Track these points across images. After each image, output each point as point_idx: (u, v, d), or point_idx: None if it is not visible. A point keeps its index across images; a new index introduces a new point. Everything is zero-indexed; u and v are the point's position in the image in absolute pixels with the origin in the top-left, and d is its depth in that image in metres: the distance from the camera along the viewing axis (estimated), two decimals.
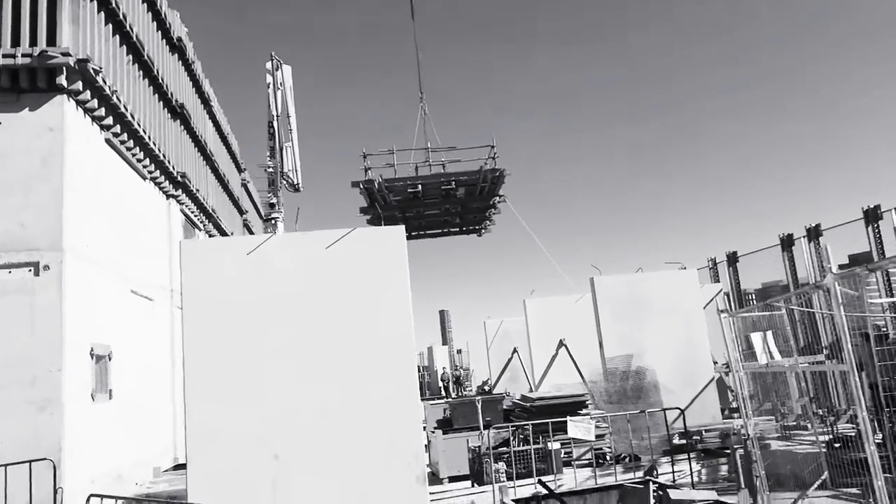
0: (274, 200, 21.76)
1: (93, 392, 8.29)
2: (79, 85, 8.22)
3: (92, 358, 8.30)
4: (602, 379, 12.51)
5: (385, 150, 15.18)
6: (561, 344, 15.33)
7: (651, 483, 5.34)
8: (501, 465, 9.04)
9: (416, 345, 6.42)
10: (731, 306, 14.90)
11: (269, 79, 22.04)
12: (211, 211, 14.79)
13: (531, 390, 15.56)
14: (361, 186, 14.33)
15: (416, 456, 6.12)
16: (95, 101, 8.74)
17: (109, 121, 9.28)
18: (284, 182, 21.88)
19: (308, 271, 6.30)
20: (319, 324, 6.13)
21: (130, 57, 10.32)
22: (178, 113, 12.85)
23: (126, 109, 9.61)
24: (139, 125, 10.21)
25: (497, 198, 15.72)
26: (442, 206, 16.05)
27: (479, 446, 9.43)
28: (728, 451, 9.07)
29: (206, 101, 15.58)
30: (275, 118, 21.95)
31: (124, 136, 9.93)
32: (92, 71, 8.27)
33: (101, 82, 8.58)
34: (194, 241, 6.39)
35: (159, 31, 12.15)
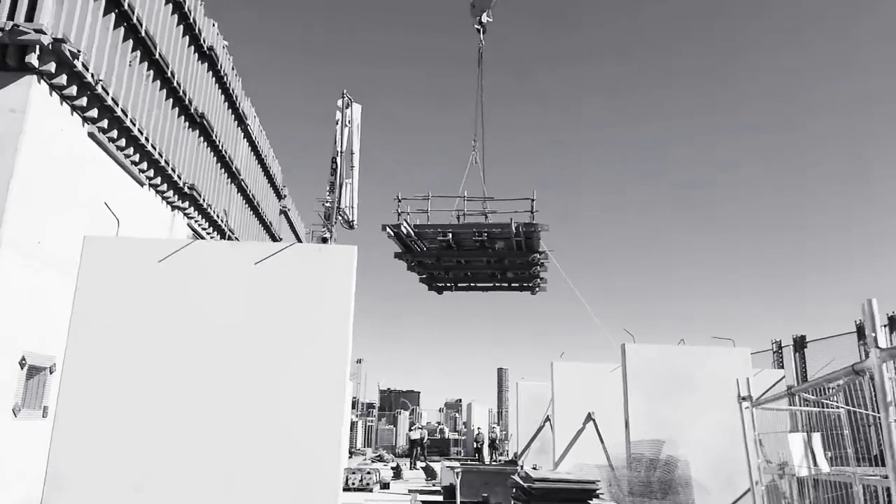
0: (327, 235, 21.48)
1: (16, 407, 7.35)
2: (51, 66, 7.57)
3: (22, 368, 7.38)
4: (624, 465, 10.78)
5: (421, 196, 15.08)
6: (589, 418, 13.74)
7: None
8: None
9: (349, 391, 5.39)
10: (795, 399, 12.83)
11: (339, 115, 22.02)
12: (227, 229, 14.08)
13: (555, 467, 14.10)
14: (389, 230, 14.15)
15: None
16: (74, 88, 8.09)
17: (94, 113, 8.63)
18: (340, 218, 21.60)
19: (232, 287, 5.21)
20: (236, 348, 4.98)
21: (137, 53, 9.77)
22: (197, 123, 12.29)
23: (116, 104, 8.96)
24: (134, 124, 9.56)
25: (537, 255, 15.18)
26: (481, 259, 15.72)
27: None
28: None
29: (240, 118, 15.12)
30: (339, 154, 21.83)
31: (114, 133, 9.27)
32: (69, 53, 7.62)
33: (80, 67, 7.92)
34: (100, 237, 5.29)
35: (186, 36, 11.71)
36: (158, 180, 10.96)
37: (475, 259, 15.82)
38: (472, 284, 18.09)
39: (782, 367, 15.15)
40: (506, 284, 17.92)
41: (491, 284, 18.01)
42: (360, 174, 21.60)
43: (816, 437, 4.95)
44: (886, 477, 2.71)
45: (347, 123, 21.93)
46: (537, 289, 17.64)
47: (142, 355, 5.00)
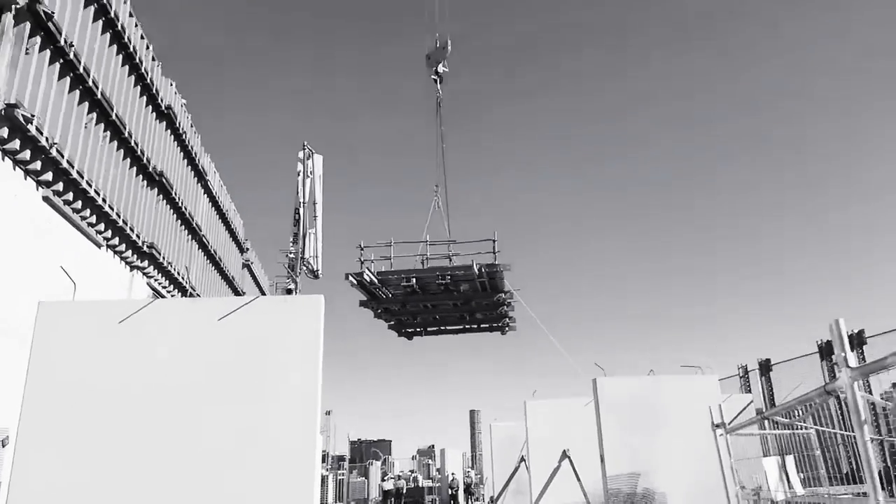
0: (292, 286, 21.20)
1: None
2: (4, 132, 7.41)
3: None
4: (602, 502, 10.64)
5: (383, 243, 15.21)
6: (564, 455, 13.57)
7: None
8: None
9: (319, 446, 5.22)
10: (766, 422, 12.90)
11: (300, 167, 22.02)
12: (188, 286, 13.78)
13: None
14: (352, 279, 14.23)
15: None
16: (28, 152, 7.91)
17: (48, 176, 8.44)
18: (304, 268, 21.38)
19: (195, 345, 5.07)
20: (201, 408, 4.89)
21: (94, 115, 9.65)
22: (156, 181, 12.11)
23: (72, 166, 8.79)
24: (91, 185, 9.38)
25: (503, 294, 15.33)
26: (447, 302, 15.83)
27: None
28: None
29: (200, 174, 14.98)
30: (301, 205, 21.76)
31: (70, 196, 9.07)
32: (22, 118, 7.47)
33: (34, 132, 7.77)
34: (56, 302, 5.11)
35: (144, 96, 11.64)
36: (116, 241, 10.71)
37: (441, 302, 15.84)
38: (441, 328, 18.12)
39: (749, 391, 15.29)
40: (475, 326, 17.94)
41: (460, 327, 18.04)
42: (323, 223, 21.56)
43: (790, 460, 4.97)
44: (859, 495, 2.71)
45: (309, 174, 21.97)
46: (507, 328, 17.68)
47: (101, 421, 4.78)
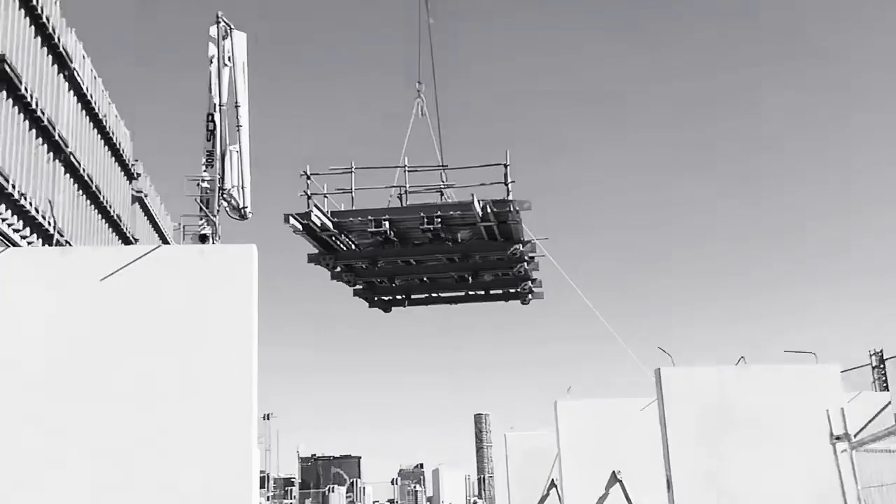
0: (207, 230, 20.87)
1: None
2: None
3: None
4: None
5: (341, 168, 15.23)
6: (614, 479, 13.97)
7: None
8: None
9: (256, 463, 5.30)
10: None
11: (213, 50, 21.47)
12: (52, 230, 13.74)
13: None
14: (295, 222, 14.28)
15: None
16: None
17: None
18: (225, 203, 21.15)
19: (65, 313, 5.26)
20: (79, 405, 5.08)
21: None
22: None
23: None
24: None
25: (520, 246, 15.36)
26: (438, 257, 16.05)
27: None
28: None
29: (62, 61, 14.73)
30: (217, 109, 21.26)
31: None
32: None
33: None
34: None
35: None
36: None
37: (430, 258, 16.08)
38: (431, 295, 18.31)
39: (887, 387, 15.50)
40: (482, 293, 18.13)
41: (460, 294, 18.25)
42: (251, 137, 21.35)
43: None
44: None
45: (227, 62, 21.47)
46: (529, 296, 17.74)
47: None
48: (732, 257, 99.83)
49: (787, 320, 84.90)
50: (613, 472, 14.03)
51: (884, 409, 13.42)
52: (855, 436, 5.44)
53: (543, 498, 17.72)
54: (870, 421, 12.07)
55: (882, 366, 16.19)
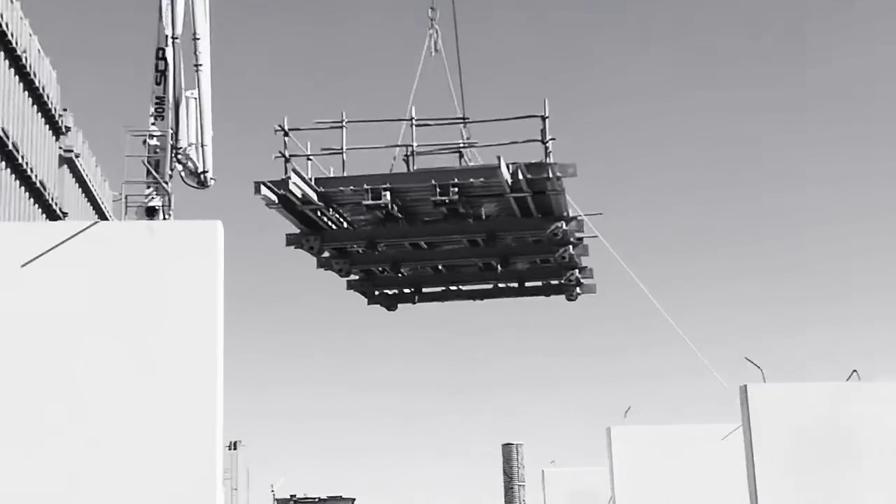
0: (157, 202, 20.73)
1: None
2: None
3: None
4: None
5: (328, 122, 15.31)
6: None
7: None
8: None
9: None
10: None
11: None
12: None
13: None
14: (268, 192, 14.34)
15: None
16: None
17: None
18: (180, 166, 21.07)
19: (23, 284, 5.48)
20: (17, 398, 5.32)
21: None
22: None
23: None
24: None
25: (561, 224, 15.28)
26: (457, 237, 16.11)
27: None
28: None
29: None
30: (170, 41, 21.09)
31: None
32: None
33: None
34: None
35: None
36: None
37: (446, 240, 16.35)
38: (448, 288, 18.63)
39: None
40: (514, 285, 18.40)
41: (489, 286, 18.60)
42: (214, 85, 21.20)
43: None
44: None
45: None
46: (577, 289, 18.05)
47: None
48: (837, 247, 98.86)
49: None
50: None
51: None
52: None
53: None
54: None
55: None
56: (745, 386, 12.06)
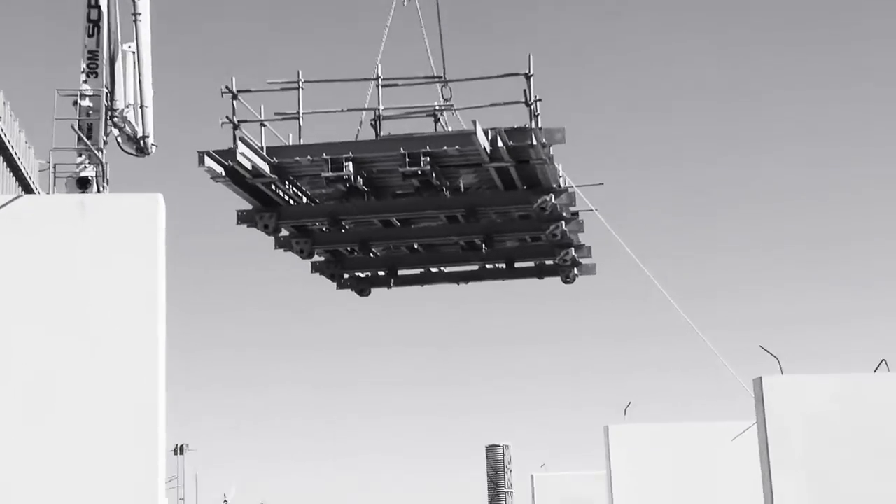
0: (90, 172, 20.52)
1: None
2: None
3: None
4: None
5: (280, 83, 15.06)
6: None
7: None
8: None
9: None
10: None
11: None
12: None
13: None
14: (212, 164, 14.18)
15: None
16: None
17: None
18: (116, 131, 20.85)
19: None
20: None
21: None
22: None
23: None
24: None
25: (549, 196, 15.03)
26: (433, 213, 16.09)
27: None
28: None
29: None
30: None
31: None
32: None
33: None
34: None
35: None
36: None
37: (420, 215, 16.07)
38: (428, 270, 18.66)
39: None
40: (502, 266, 18.28)
41: (473, 268, 18.52)
42: (156, 38, 20.93)
43: None
44: None
45: None
46: (573, 270, 17.93)
47: None
48: (862, 227, 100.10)
49: None
50: None
51: None
52: None
53: None
54: None
55: None
56: (761, 378, 12.05)
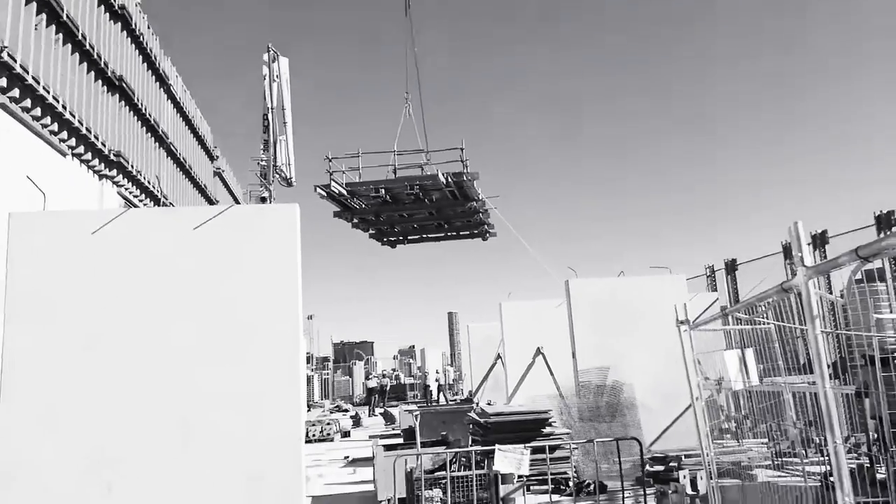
0: (265, 195, 20.92)
1: None
2: None
3: None
4: (574, 394, 11.20)
5: (351, 154, 14.70)
6: (538, 352, 14.11)
7: None
8: (437, 493, 7.69)
9: (303, 348, 5.24)
10: (729, 319, 13.56)
11: (266, 70, 21.20)
12: (160, 196, 13.57)
13: (508, 401, 14.48)
14: (321, 191, 13.87)
15: (293, 492, 4.67)
16: None
17: (2, 82, 8.03)
18: (277, 176, 21.01)
19: (172, 255, 4.98)
20: (179, 321, 4.85)
21: (43, 16, 9.08)
22: (116, 86, 11.62)
23: (26, 71, 8.35)
24: (48, 91, 8.96)
25: (475, 203, 15.16)
26: (421, 211, 15.65)
27: (413, 468, 8.03)
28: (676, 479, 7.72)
29: (162, 79, 14.37)
30: (270, 110, 21.07)
31: (27, 103, 8.68)
32: None
33: None
34: (26, 213, 5.02)
35: None
36: (82, 149, 10.38)
37: (416, 212, 15.75)
38: (422, 236, 18.13)
39: (716, 289, 15.88)
40: (455, 233, 18.00)
41: (442, 234, 18.06)
42: (293, 129, 21.02)
43: (749, 353, 5.25)
44: (813, 383, 2.92)
45: (276, 78, 21.21)
46: (487, 235, 17.77)
47: (83, 332, 4.76)
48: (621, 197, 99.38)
49: (650, 241, 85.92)
50: (538, 348, 14.08)
51: (712, 304, 13.76)
52: (693, 321, 5.67)
53: (492, 366, 17.49)
54: (703, 312, 12.30)
55: (712, 275, 16.51)
56: (567, 280, 11.85)
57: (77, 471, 4.57)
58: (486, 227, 17.26)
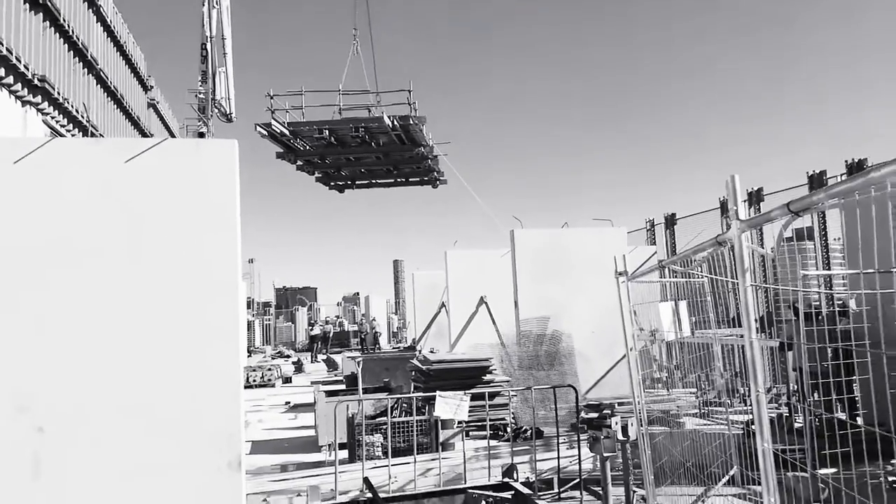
0: (203, 130, 20.03)
1: None
2: None
3: None
4: (515, 342, 11.51)
5: (295, 92, 14.11)
6: (481, 301, 14.31)
7: (508, 489, 4.19)
8: (378, 438, 7.84)
9: (243, 292, 5.10)
10: (666, 271, 14.01)
11: None
12: (89, 126, 12.86)
13: (451, 349, 14.72)
14: (261, 130, 13.38)
15: (231, 436, 4.58)
16: None
17: None
18: (216, 110, 20.13)
19: (101, 188, 4.73)
20: (109, 259, 4.64)
21: None
22: (39, 4, 10.81)
23: None
24: None
25: (422, 148, 14.78)
26: (369, 155, 15.22)
27: (354, 414, 8.14)
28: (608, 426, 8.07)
29: (92, 2, 13.46)
30: (209, 39, 19.98)
31: None
32: None
33: None
34: None
35: None
36: (2, 72, 9.68)
37: (363, 156, 15.41)
38: (371, 181, 17.85)
39: (655, 243, 16.34)
40: (404, 180, 17.74)
41: (391, 180, 17.79)
42: (234, 61, 20.08)
43: (683, 305, 5.45)
44: (742, 336, 3.04)
45: (216, 5, 20.14)
46: (438, 182, 17.57)
47: (11, 273, 4.48)
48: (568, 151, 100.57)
49: (594, 195, 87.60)
50: (481, 296, 14.23)
51: (650, 257, 14.16)
52: (631, 273, 5.83)
53: (436, 315, 17.74)
54: (642, 264, 12.67)
55: (652, 229, 16.95)
56: (513, 230, 12.01)
57: (4, 414, 4.32)
58: (435, 174, 17.06)
